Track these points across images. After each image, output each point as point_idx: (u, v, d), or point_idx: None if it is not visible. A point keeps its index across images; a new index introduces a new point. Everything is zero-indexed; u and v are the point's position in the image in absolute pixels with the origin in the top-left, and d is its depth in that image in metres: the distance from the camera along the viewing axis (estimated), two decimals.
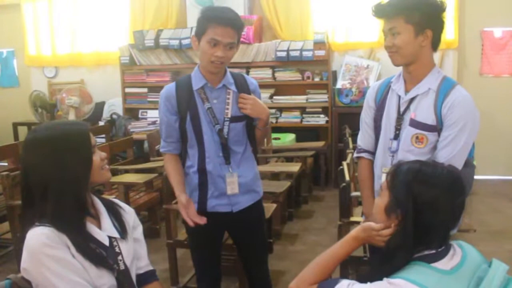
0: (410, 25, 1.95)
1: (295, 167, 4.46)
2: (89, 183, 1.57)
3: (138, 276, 1.71)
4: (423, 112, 2.01)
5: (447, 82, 2.02)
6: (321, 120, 5.88)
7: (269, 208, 3.52)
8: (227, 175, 2.31)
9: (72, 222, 1.49)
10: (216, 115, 2.28)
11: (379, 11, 2.02)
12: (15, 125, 6.77)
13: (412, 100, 2.04)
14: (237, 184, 2.32)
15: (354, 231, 1.54)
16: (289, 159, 5.17)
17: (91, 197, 1.65)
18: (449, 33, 5.74)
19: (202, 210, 2.33)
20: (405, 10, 1.94)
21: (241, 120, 2.34)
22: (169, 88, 2.31)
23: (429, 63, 2.04)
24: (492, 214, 4.76)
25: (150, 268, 1.77)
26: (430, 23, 1.97)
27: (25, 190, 1.55)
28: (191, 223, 2.24)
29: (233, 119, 2.31)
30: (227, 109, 2.30)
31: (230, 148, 2.32)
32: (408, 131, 2.03)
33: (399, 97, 2.08)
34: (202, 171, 2.31)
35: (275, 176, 4.53)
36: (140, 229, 1.78)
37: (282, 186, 4.14)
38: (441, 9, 1.98)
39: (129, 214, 1.75)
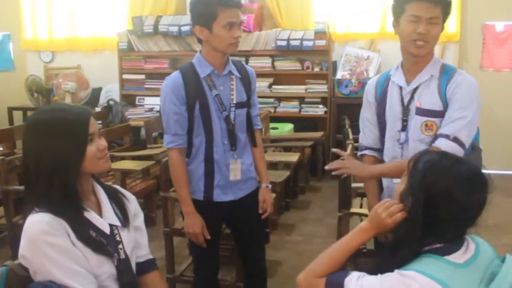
0: (443, 17, 1.95)
1: (293, 157, 4.44)
2: (79, 172, 1.50)
3: (138, 264, 1.67)
4: (429, 99, 1.99)
5: (448, 68, 2.03)
6: (320, 110, 5.85)
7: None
8: (231, 161, 2.31)
9: (65, 209, 1.45)
10: (223, 102, 2.26)
11: None
12: (10, 110, 6.69)
13: (415, 89, 2.02)
14: (240, 171, 2.32)
15: (363, 223, 1.51)
16: (287, 149, 5.13)
17: (91, 184, 1.60)
18: (450, 26, 5.71)
19: (207, 199, 2.31)
20: (445, 2, 1.93)
21: (244, 106, 2.35)
22: (175, 78, 2.25)
23: (433, 53, 2.05)
24: (488, 208, 4.74)
25: (150, 257, 1.74)
26: (448, 18, 2.00)
27: (24, 172, 1.52)
28: (204, 244, 2.31)
29: (238, 105, 2.31)
30: (232, 95, 2.29)
31: (236, 134, 2.30)
32: (416, 120, 2.01)
33: (400, 88, 2.05)
34: (209, 160, 2.29)
35: (273, 165, 4.49)
36: (141, 217, 1.74)
37: (280, 176, 4.11)
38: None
39: (131, 202, 1.71)
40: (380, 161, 2.18)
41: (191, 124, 2.26)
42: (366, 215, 2.72)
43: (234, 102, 2.29)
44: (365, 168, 2.10)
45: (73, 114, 1.50)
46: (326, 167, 2.06)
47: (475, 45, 5.89)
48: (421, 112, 2.00)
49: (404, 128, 2.04)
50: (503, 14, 5.77)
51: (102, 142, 1.56)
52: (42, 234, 1.39)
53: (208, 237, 2.32)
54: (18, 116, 6.71)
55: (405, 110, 2.03)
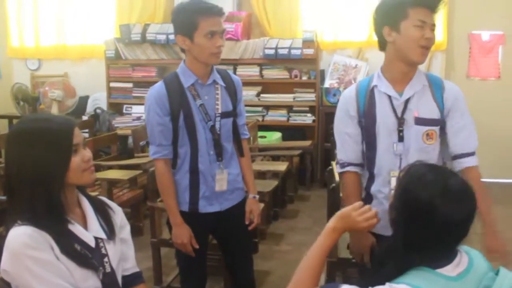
0: None
1: (282, 166, 4.42)
2: (63, 184, 1.46)
3: (124, 277, 1.64)
4: (426, 108, 2.00)
5: (432, 76, 2.08)
6: (308, 119, 5.84)
7: (260, 205, 3.47)
8: (217, 172, 2.28)
9: (49, 222, 1.41)
10: (208, 112, 2.23)
11: (433, 1, 1.93)
12: None
13: (408, 100, 2.00)
14: (226, 182, 2.30)
15: (331, 222, 1.48)
16: (276, 158, 5.12)
17: (76, 196, 1.57)
18: (438, 35, 5.71)
19: (193, 210, 2.28)
20: (439, 11, 1.95)
21: (230, 116, 2.32)
22: (158, 88, 2.22)
23: None
24: (479, 217, 4.75)
25: (137, 270, 1.70)
26: None
27: (6, 183, 1.48)
28: (193, 253, 2.29)
29: (223, 115, 2.28)
30: (217, 104, 2.26)
31: (222, 144, 2.27)
32: (416, 130, 2.00)
33: (389, 98, 2.02)
34: (194, 171, 2.26)
35: (261, 174, 4.47)
36: (127, 228, 1.70)
37: (269, 185, 4.09)
38: None
39: (117, 214, 1.68)
40: (360, 176, 2.14)
41: (176, 135, 2.23)
42: None
43: (219, 111, 2.26)
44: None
45: (57, 124, 1.47)
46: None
47: (462, 54, 5.93)
48: (421, 121, 1.99)
49: (401, 139, 2.01)
50: (489, 24, 5.82)
51: (87, 153, 1.53)
52: (24, 248, 1.35)
53: (197, 246, 2.29)
54: (3, 124, 6.62)
55: (400, 120, 2.01)
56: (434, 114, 2.00)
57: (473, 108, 5.55)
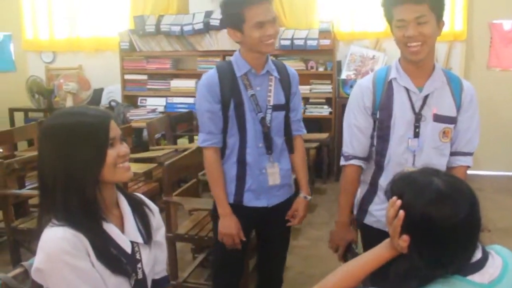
0: (434, 14, 1.84)
1: None
2: (98, 180, 1.39)
3: (153, 281, 1.57)
4: (445, 105, 1.95)
5: (449, 73, 2.03)
6: (325, 111, 5.76)
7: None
8: (267, 165, 2.21)
9: (84, 220, 1.35)
10: (259, 103, 2.16)
11: None
12: (11, 111, 6.61)
13: (427, 95, 1.94)
14: (279, 175, 2.22)
15: (385, 243, 1.39)
16: None
17: (116, 195, 1.49)
18: (457, 25, 5.62)
19: (238, 202, 2.23)
20: None
21: (283, 109, 2.24)
22: (210, 75, 2.16)
23: (433, 54, 1.99)
24: (497, 211, 4.64)
25: (165, 274, 1.64)
26: (442, 13, 1.89)
27: (39, 179, 1.42)
28: (239, 246, 2.23)
29: (275, 108, 2.20)
30: (269, 96, 2.19)
31: (272, 138, 2.20)
32: (434, 127, 1.94)
33: (408, 92, 1.95)
34: (241, 162, 2.20)
35: None
36: (162, 231, 1.62)
37: None
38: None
39: (154, 214, 1.60)
40: (363, 170, 2.10)
41: (226, 124, 2.17)
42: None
43: (271, 104, 2.19)
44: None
45: (93, 117, 1.40)
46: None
47: (482, 44, 5.79)
48: (440, 119, 1.94)
49: (417, 134, 1.95)
50: (510, 12, 5.67)
51: (124, 148, 1.45)
52: (62, 253, 1.29)
53: (244, 239, 2.23)
54: (19, 117, 6.64)
55: (418, 116, 1.95)
56: (452, 112, 1.96)
57: (494, 99, 5.57)
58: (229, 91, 2.13)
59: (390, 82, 1.99)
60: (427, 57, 1.90)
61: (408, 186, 1.31)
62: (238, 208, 2.22)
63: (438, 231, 1.24)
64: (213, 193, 2.24)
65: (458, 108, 1.97)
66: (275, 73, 2.21)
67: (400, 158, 1.98)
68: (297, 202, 2.35)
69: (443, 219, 1.23)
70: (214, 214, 2.28)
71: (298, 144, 2.37)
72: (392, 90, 1.98)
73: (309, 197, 2.36)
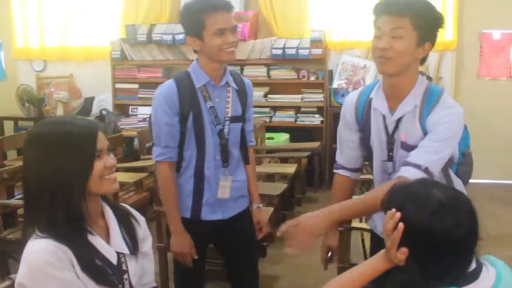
0: (415, 32, 1.71)
1: (290, 169, 4.35)
2: (85, 192, 1.37)
3: None
4: (413, 133, 1.82)
5: (430, 95, 1.81)
6: (316, 120, 5.76)
7: (266, 211, 3.40)
8: (221, 178, 2.18)
9: (68, 232, 1.32)
10: (218, 115, 2.14)
11: (387, 5, 1.75)
12: (1, 119, 6.56)
13: (400, 119, 1.84)
14: (229, 189, 2.19)
15: (380, 255, 1.38)
16: (284, 160, 5.04)
17: (101, 206, 1.47)
18: (447, 34, 5.66)
19: (195, 217, 2.19)
20: (414, 11, 1.70)
21: (240, 120, 2.22)
22: (169, 86, 2.11)
23: (414, 77, 1.83)
24: (489, 219, 4.66)
25: (154, 284, 1.61)
26: (431, 35, 1.77)
27: (24, 188, 1.39)
28: (191, 265, 2.20)
29: (233, 119, 2.18)
30: (228, 108, 2.16)
31: (229, 150, 2.18)
32: (402, 154, 1.84)
33: (384, 116, 1.87)
34: (199, 176, 2.16)
35: (269, 177, 4.40)
36: (149, 241, 1.60)
37: (277, 188, 4.01)
38: (441, 23, 1.78)
39: (141, 225, 1.57)
40: (354, 182, 2.09)
41: (183, 137, 2.13)
42: (367, 230, 2.62)
43: (229, 115, 2.17)
44: (321, 213, 1.85)
45: (80, 127, 1.38)
46: (278, 234, 1.84)
47: (472, 53, 5.83)
48: (406, 147, 1.83)
49: (390, 158, 1.89)
50: (500, 23, 5.72)
51: (111, 160, 1.42)
52: (45, 266, 1.27)
53: (196, 257, 2.20)
54: (9, 126, 6.59)
55: (390, 139, 1.87)
56: (419, 139, 1.80)
57: (484, 108, 5.60)
58: (188, 103, 2.09)
59: (370, 101, 1.91)
60: (403, 77, 1.79)
61: (408, 198, 1.30)
62: (194, 223, 2.19)
63: (439, 243, 1.24)
64: (166, 210, 2.22)
65: (426, 132, 1.81)
66: (233, 84, 2.19)
67: (381, 179, 1.95)
68: (255, 214, 2.36)
69: (445, 231, 1.23)
70: (169, 231, 2.26)
71: (251, 156, 2.37)
72: (370, 110, 1.91)
73: (261, 206, 2.39)
